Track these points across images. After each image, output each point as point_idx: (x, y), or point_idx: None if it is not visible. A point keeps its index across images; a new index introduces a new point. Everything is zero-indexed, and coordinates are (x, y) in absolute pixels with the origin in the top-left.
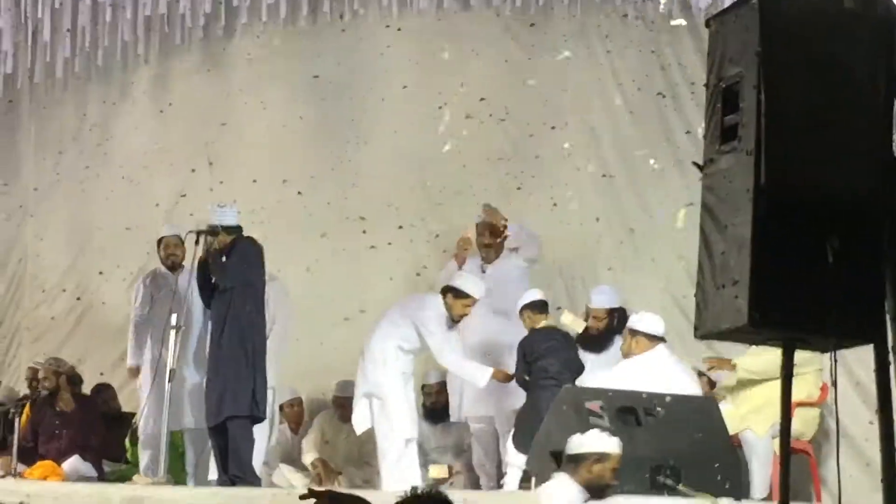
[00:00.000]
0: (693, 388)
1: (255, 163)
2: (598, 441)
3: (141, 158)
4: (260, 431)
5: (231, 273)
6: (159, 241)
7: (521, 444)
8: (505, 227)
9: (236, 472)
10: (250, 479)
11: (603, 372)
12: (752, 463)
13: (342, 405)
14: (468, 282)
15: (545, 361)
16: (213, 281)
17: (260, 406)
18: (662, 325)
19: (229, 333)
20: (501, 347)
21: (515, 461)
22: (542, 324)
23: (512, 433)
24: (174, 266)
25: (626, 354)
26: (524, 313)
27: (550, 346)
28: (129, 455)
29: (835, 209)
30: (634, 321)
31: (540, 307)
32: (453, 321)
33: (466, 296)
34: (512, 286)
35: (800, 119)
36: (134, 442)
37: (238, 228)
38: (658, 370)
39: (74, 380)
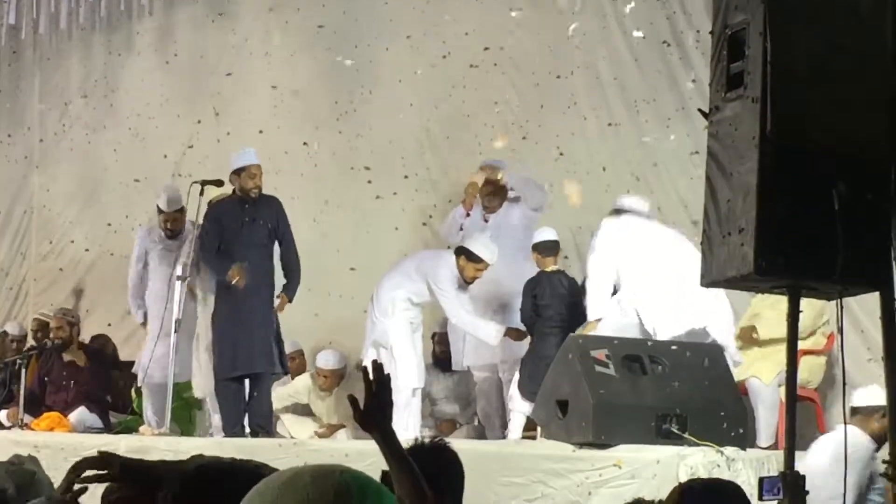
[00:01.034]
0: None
1: (261, 113)
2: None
3: (147, 109)
4: None
5: (270, 230)
6: (159, 211)
7: (526, 391)
8: (504, 180)
9: (261, 422)
10: (270, 430)
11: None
12: (757, 410)
13: (325, 376)
14: (482, 246)
15: (551, 309)
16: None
17: (285, 363)
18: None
19: (265, 288)
20: (503, 296)
21: (520, 408)
22: (551, 267)
23: (517, 380)
24: (174, 234)
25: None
26: (534, 253)
27: (556, 292)
28: (134, 406)
29: (841, 156)
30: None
31: (549, 248)
32: (465, 282)
33: (479, 260)
34: (515, 236)
35: (806, 65)
36: (139, 392)
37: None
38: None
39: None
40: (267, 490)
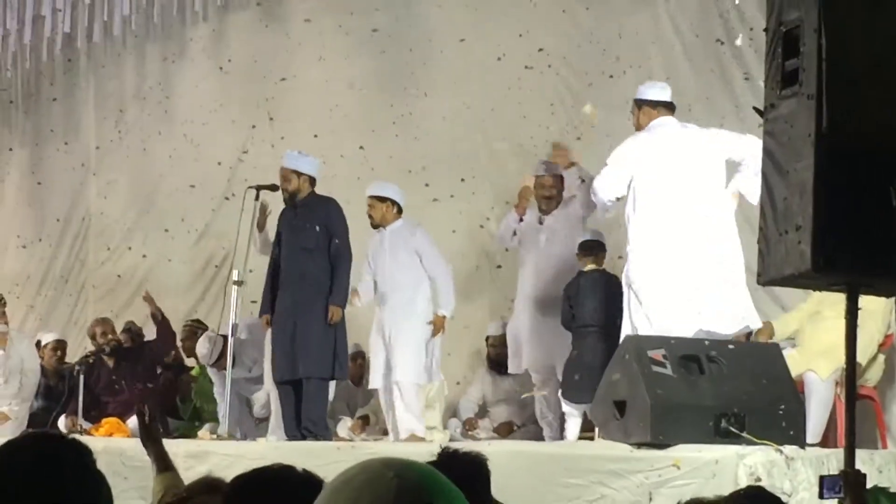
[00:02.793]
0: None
1: (316, 118)
2: None
3: (201, 116)
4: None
5: (318, 233)
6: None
7: (566, 392)
8: (560, 181)
9: (308, 426)
10: (322, 434)
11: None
12: (810, 404)
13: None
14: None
15: (583, 307)
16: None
17: (342, 368)
18: (668, 90)
19: (312, 292)
20: (556, 297)
21: (570, 410)
22: (589, 267)
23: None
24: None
25: (637, 129)
26: (577, 257)
27: (589, 293)
28: (181, 412)
29: None
30: (640, 90)
31: (586, 249)
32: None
33: (385, 199)
34: (567, 236)
35: (861, 62)
36: (183, 399)
37: (312, 180)
38: (669, 139)
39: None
40: (345, 488)
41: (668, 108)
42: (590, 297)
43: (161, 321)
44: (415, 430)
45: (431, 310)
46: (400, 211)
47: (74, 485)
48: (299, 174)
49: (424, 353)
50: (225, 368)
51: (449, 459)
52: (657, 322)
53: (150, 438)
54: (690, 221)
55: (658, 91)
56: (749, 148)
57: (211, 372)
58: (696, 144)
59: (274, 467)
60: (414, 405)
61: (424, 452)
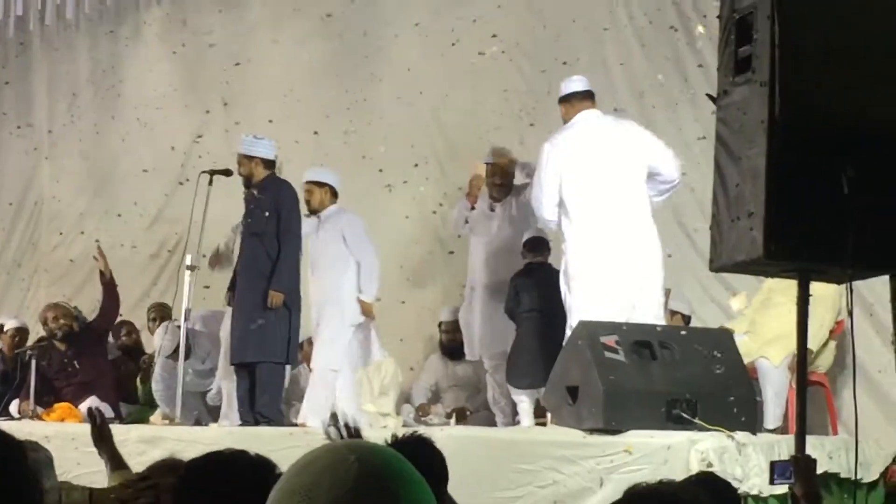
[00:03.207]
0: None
1: (271, 102)
2: None
3: (155, 100)
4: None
5: (267, 217)
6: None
7: (510, 378)
8: (512, 168)
9: (262, 410)
10: (275, 419)
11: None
12: (766, 392)
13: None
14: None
15: (527, 294)
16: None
17: (295, 353)
18: (585, 81)
19: (261, 277)
20: (507, 284)
21: (519, 397)
22: (535, 259)
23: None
24: None
25: (566, 120)
26: (521, 254)
27: (531, 277)
28: (139, 395)
29: (850, 139)
30: (561, 88)
31: (531, 246)
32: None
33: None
34: (519, 224)
35: (814, 48)
36: (144, 381)
37: (272, 164)
38: (588, 134)
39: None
40: (306, 471)
41: (588, 96)
42: (533, 286)
43: (108, 282)
44: (306, 419)
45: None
46: (335, 196)
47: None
48: (251, 158)
49: (346, 338)
50: (177, 357)
51: (399, 446)
52: (588, 315)
53: (102, 439)
54: (613, 216)
55: (576, 84)
56: (671, 169)
57: (160, 363)
58: (615, 137)
59: (226, 452)
60: (319, 394)
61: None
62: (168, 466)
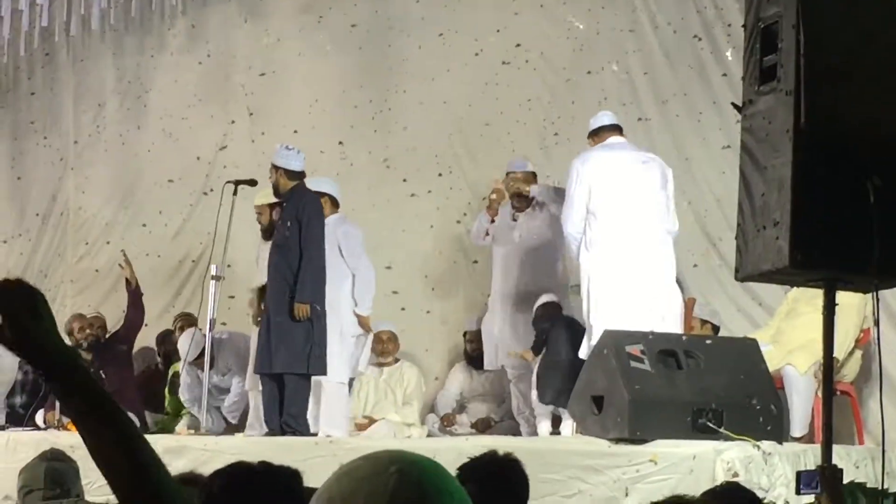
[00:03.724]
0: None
1: (295, 113)
2: None
3: (180, 110)
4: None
5: (289, 227)
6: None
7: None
8: (533, 179)
9: (288, 420)
10: (301, 430)
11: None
12: (791, 399)
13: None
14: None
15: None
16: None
17: (318, 363)
18: (613, 116)
19: (285, 289)
20: (531, 296)
21: (542, 411)
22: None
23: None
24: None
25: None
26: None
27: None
28: (167, 405)
29: (876, 147)
30: (591, 124)
31: (544, 314)
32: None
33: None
34: (541, 233)
35: (839, 57)
36: (172, 392)
37: (297, 175)
38: (618, 157)
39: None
40: (346, 478)
41: (616, 129)
42: (559, 331)
43: (134, 290)
44: (326, 432)
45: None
46: (336, 205)
47: None
48: (276, 168)
49: (349, 350)
50: (202, 367)
51: (490, 463)
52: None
53: None
54: (638, 232)
55: (605, 118)
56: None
57: (185, 369)
58: (643, 161)
59: (250, 463)
60: (333, 406)
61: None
62: (187, 481)
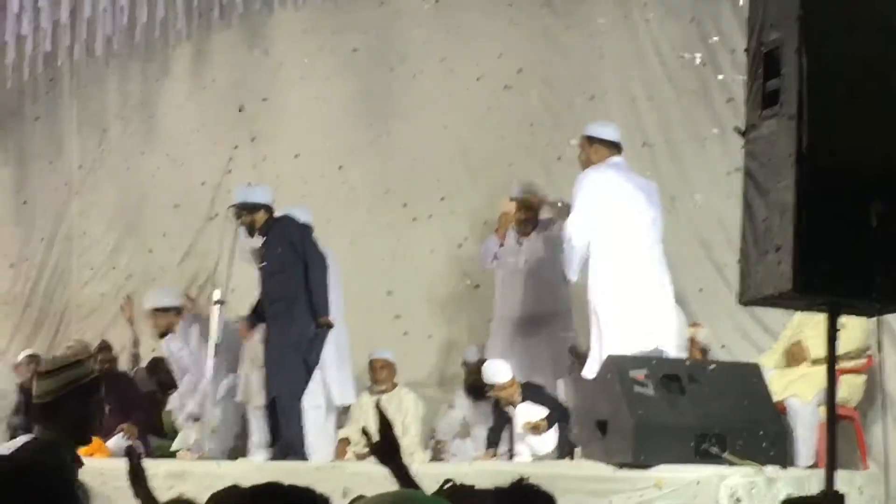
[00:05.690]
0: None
1: (297, 138)
2: None
3: (185, 135)
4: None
5: (280, 253)
6: None
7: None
8: (538, 203)
9: (285, 445)
10: (298, 454)
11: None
12: (797, 430)
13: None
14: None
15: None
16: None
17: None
18: (619, 133)
19: (279, 313)
20: (537, 319)
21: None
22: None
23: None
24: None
25: (587, 167)
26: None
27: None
28: (166, 427)
29: (879, 172)
30: (593, 128)
31: (532, 396)
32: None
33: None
34: (546, 258)
35: (842, 82)
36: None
37: (268, 208)
38: (622, 178)
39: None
40: None
41: (619, 149)
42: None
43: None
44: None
45: None
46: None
47: None
48: (258, 207)
49: (319, 375)
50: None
51: (521, 493)
52: (615, 345)
53: (138, 479)
54: (640, 250)
55: (611, 132)
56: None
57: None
58: (637, 185)
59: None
60: (310, 432)
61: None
62: None
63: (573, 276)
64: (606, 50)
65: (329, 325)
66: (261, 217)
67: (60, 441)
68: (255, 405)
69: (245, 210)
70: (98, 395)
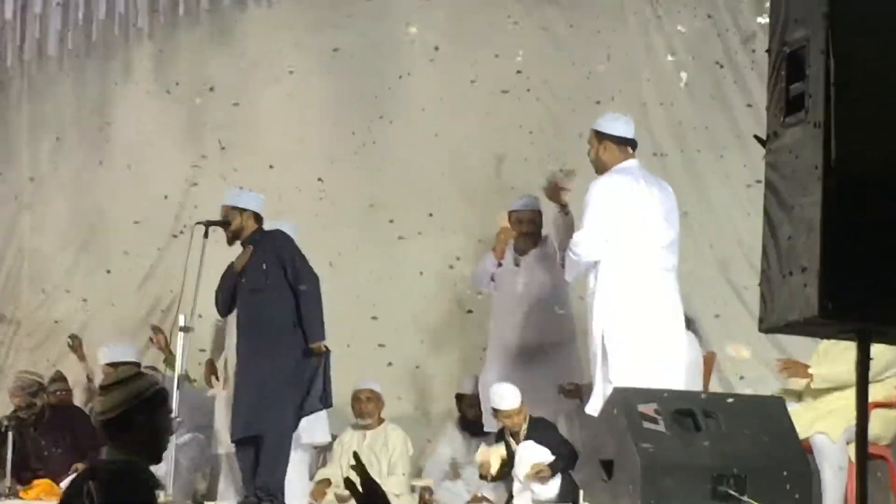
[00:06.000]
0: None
1: (271, 147)
2: None
3: (147, 144)
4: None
5: (265, 270)
6: None
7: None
8: (539, 218)
9: (261, 486)
10: (278, 500)
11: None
12: (824, 471)
13: None
14: None
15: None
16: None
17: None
18: (633, 125)
19: (270, 336)
20: (538, 348)
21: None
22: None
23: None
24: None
25: (598, 168)
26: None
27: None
28: None
29: None
30: (604, 122)
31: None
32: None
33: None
34: (544, 280)
35: (873, 86)
36: None
37: (258, 217)
38: (635, 187)
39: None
40: None
41: (633, 146)
42: None
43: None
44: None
45: None
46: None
47: None
48: (242, 210)
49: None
50: None
51: None
52: (622, 377)
53: None
54: (654, 280)
55: (624, 126)
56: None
57: None
58: (655, 197)
59: None
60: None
61: None
62: None
63: (570, 277)
64: (614, 51)
65: (322, 353)
66: (250, 226)
67: (138, 462)
68: (227, 450)
69: (236, 212)
70: (166, 408)
